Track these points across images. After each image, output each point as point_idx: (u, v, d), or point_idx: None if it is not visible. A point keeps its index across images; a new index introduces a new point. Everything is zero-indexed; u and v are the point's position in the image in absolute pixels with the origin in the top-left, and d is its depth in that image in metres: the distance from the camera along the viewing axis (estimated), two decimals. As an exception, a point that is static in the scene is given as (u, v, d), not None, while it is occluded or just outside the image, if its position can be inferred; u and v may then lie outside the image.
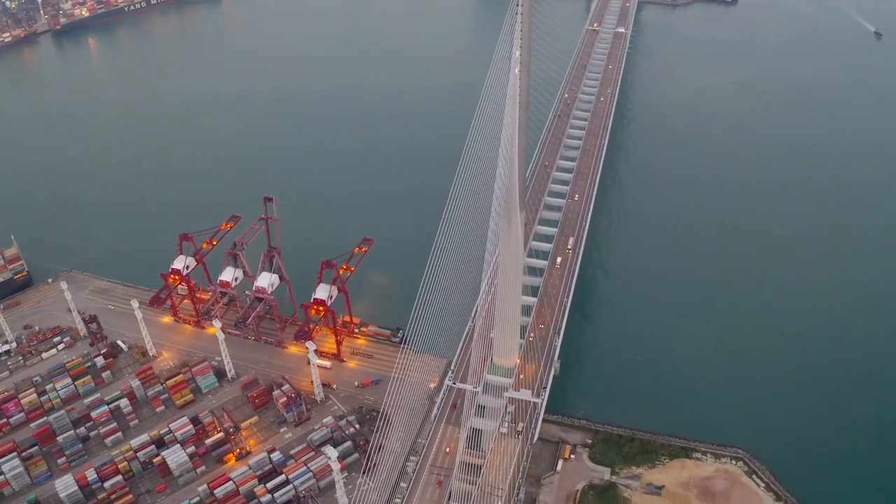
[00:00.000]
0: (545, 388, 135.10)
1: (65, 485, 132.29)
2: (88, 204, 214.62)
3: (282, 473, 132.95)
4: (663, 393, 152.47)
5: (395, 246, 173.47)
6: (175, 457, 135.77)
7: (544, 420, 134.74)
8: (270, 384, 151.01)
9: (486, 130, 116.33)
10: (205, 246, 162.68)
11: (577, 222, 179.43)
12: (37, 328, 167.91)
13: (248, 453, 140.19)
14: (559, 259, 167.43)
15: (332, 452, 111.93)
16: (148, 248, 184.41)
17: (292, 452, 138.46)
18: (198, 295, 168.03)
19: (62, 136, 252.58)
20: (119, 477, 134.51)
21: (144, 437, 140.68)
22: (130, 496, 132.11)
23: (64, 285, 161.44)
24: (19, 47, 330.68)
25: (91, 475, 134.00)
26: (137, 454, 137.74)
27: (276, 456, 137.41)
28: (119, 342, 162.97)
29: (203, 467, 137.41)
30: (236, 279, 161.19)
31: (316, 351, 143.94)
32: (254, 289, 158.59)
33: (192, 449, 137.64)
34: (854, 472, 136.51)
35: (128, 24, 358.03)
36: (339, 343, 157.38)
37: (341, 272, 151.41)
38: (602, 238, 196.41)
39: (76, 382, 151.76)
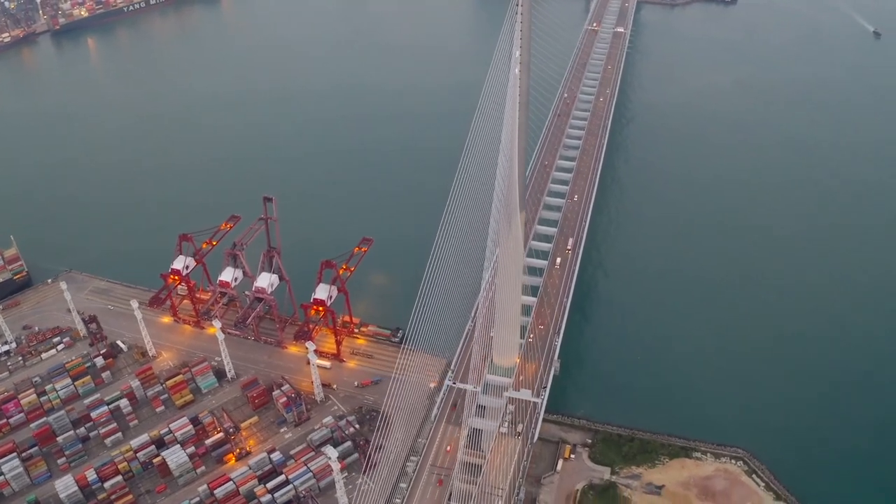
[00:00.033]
0: (545, 387, 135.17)
1: (65, 485, 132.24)
2: (88, 204, 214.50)
3: (282, 473, 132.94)
4: (663, 393, 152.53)
5: (394, 246, 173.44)
6: (175, 457, 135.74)
7: (544, 420, 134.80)
8: (270, 384, 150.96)
9: (486, 130, 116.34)
10: (204, 246, 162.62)
11: (577, 222, 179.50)
12: (36, 328, 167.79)
13: (248, 453, 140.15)
14: (559, 259, 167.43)
15: (332, 452, 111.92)
16: (147, 249, 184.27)
17: (292, 452, 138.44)
18: (197, 295, 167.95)
19: (61, 136, 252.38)
20: (119, 477, 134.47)
21: (144, 438, 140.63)
22: (130, 496, 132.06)
23: (63, 285, 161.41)
24: (18, 48, 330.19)
25: (91, 475, 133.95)
26: (137, 454, 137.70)
27: (276, 456, 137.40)
28: (119, 342, 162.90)
29: (203, 467, 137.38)
30: (236, 279, 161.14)
31: (316, 351, 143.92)
32: (253, 289, 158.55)
33: (191, 449, 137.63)
34: (854, 471, 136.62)
35: (127, 24, 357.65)
36: (338, 343, 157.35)
37: (341, 272, 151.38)
38: (602, 238, 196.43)
39: (76, 383, 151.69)
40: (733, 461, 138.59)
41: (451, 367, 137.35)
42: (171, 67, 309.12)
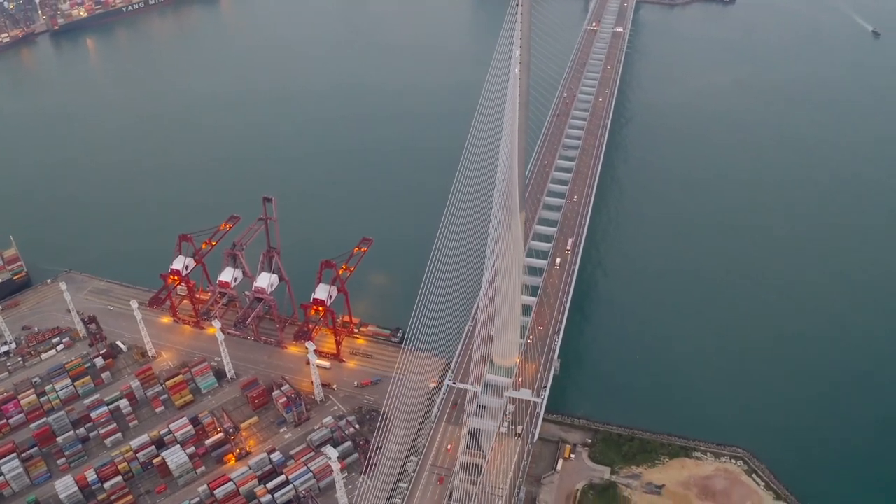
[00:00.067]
0: (545, 387, 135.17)
1: (64, 486, 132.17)
2: (87, 204, 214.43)
3: (282, 474, 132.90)
4: (663, 392, 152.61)
5: (394, 246, 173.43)
6: (175, 457, 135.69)
7: (544, 420, 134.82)
8: (270, 384, 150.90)
9: (486, 130, 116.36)
10: (204, 246, 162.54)
11: (577, 222, 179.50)
12: (36, 329, 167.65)
13: (248, 454, 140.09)
14: (558, 260, 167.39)
15: (332, 452, 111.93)
16: (147, 249, 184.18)
17: (292, 453, 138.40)
18: (197, 295, 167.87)
19: (61, 136, 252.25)
20: (119, 478, 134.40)
21: (144, 438, 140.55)
22: (130, 497, 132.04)
23: (63, 286, 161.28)
24: (17, 48, 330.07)
25: (91, 476, 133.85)
26: (137, 455, 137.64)
27: (276, 456, 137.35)
28: (118, 343, 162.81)
29: (203, 468, 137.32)
30: (236, 279, 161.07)
31: (315, 351, 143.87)
32: (253, 289, 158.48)
33: (191, 449, 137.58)
34: (853, 471, 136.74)
35: (126, 24, 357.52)
36: (338, 343, 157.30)
37: (341, 272, 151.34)
38: (601, 237, 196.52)
39: (75, 383, 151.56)
40: (733, 461, 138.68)
41: (451, 367, 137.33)
42: (171, 67, 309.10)
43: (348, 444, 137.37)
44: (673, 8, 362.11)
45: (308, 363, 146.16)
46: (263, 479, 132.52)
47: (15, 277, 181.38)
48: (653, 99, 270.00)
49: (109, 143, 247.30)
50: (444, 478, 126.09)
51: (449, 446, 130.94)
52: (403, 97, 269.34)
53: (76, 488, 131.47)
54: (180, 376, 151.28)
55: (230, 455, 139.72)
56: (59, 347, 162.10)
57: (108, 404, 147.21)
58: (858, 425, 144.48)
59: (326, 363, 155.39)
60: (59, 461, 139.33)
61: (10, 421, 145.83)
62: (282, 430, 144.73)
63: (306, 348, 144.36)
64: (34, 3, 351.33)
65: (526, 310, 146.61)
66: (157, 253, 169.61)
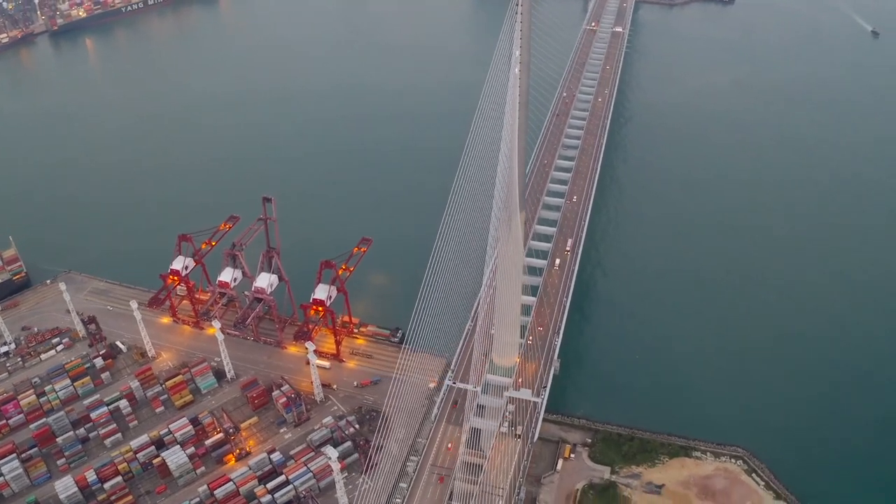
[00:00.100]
0: (545, 387, 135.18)
1: (64, 486, 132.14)
2: (87, 205, 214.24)
3: (282, 474, 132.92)
4: (663, 392, 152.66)
5: (394, 246, 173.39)
6: (175, 458, 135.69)
7: (544, 419, 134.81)
8: (270, 385, 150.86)
9: (486, 130, 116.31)
10: (204, 246, 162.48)
11: (576, 222, 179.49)
12: (35, 329, 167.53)
13: (248, 454, 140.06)
14: (557, 261, 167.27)
15: (332, 452, 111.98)
16: (147, 249, 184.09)
17: (292, 453, 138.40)
18: (197, 296, 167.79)
19: (60, 136, 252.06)
20: (119, 478, 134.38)
21: (144, 438, 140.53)
22: (130, 497, 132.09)
23: (62, 286, 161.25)
24: (16, 48, 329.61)
25: (91, 476, 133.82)
26: (137, 455, 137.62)
27: (276, 456, 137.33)
28: (118, 343, 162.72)
29: (203, 468, 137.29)
30: (235, 280, 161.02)
31: (315, 351, 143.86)
32: (253, 289, 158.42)
33: (191, 450, 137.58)
34: (853, 470, 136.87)
35: (125, 24, 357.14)
36: (338, 343, 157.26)
37: (340, 272, 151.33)
38: (601, 237, 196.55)
39: (75, 383, 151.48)
40: (733, 460, 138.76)
41: (451, 366, 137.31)
42: (170, 67, 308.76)
43: (348, 444, 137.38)
44: (672, 8, 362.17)
45: (308, 363, 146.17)
46: (263, 480, 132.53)
47: (14, 278, 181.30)
48: (652, 99, 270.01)
49: (109, 144, 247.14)
50: (445, 477, 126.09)
51: (450, 445, 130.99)
52: (403, 97, 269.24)
53: (76, 489, 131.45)
54: (180, 376, 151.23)
55: (230, 455, 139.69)
56: (59, 348, 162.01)
57: (107, 405, 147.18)
58: (858, 425, 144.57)
59: (326, 363, 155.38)
60: (59, 462, 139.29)
61: (10, 421, 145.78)
62: (282, 431, 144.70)
63: (306, 348, 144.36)
64: (33, 4, 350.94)
65: (526, 310, 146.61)
66: (157, 253, 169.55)
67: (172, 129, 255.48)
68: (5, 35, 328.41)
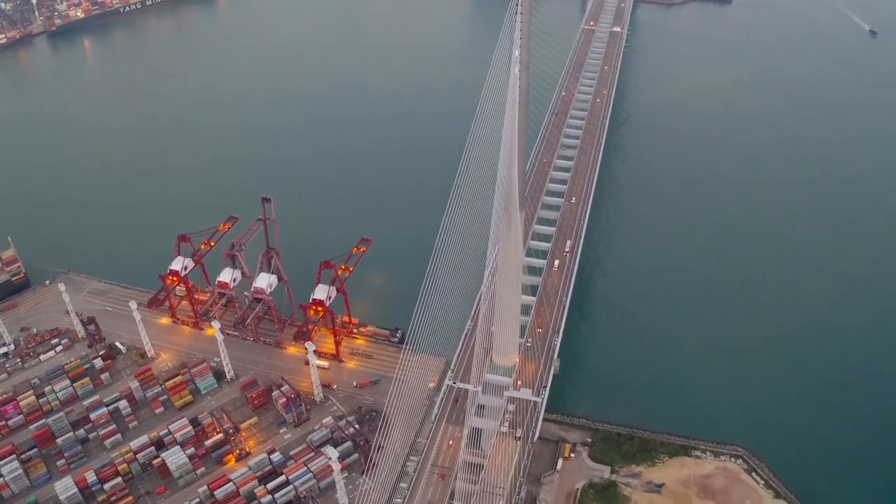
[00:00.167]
0: (545, 387, 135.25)
1: (64, 487, 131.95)
2: (86, 205, 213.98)
3: (282, 474, 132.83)
4: (662, 391, 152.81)
5: (393, 246, 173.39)
6: (175, 458, 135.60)
7: (544, 419, 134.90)
8: (270, 385, 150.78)
9: (486, 130, 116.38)
10: (203, 247, 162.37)
11: (576, 221, 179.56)
12: (35, 330, 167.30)
13: (248, 454, 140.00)
14: (556, 262, 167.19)
15: (332, 453, 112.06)
16: (146, 250, 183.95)
17: (292, 453, 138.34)
18: (196, 296, 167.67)
19: (59, 137, 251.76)
20: (119, 479, 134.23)
21: (144, 439, 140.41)
22: (130, 498, 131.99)
23: (62, 287, 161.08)
24: (14, 49, 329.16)
25: (90, 477, 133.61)
26: (137, 456, 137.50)
27: (275, 457, 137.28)
28: (117, 344, 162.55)
29: (203, 468, 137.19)
30: (235, 280, 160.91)
31: (315, 351, 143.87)
32: (252, 289, 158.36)
33: (191, 450, 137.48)
34: (853, 469, 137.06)
35: (123, 25, 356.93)
36: (337, 343, 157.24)
37: (340, 272, 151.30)
38: (600, 237, 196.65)
39: (75, 384, 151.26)
40: (733, 459, 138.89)
41: (451, 366, 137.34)
42: (168, 68, 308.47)
43: (348, 444, 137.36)
44: (670, 7, 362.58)
45: (307, 363, 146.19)
46: (263, 480, 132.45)
47: (13, 279, 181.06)
48: (650, 98, 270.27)
49: (108, 144, 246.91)
50: (446, 475, 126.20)
51: (450, 442, 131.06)
52: (403, 97, 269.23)
53: (76, 489, 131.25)
54: (180, 377, 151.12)
55: (230, 456, 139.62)
56: (58, 349, 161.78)
57: (107, 405, 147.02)
58: (858, 424, 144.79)
59: (326, 363, 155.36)
60: (59, 462, 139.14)
61: (10, 422, 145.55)
62: (281, 431, 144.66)
63: (306, 349, 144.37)
64: (31, 4, 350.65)
65: (526, 309, 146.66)
66: (156, 253, 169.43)
67: (171, 129, 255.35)
68: (3, 36, 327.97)
